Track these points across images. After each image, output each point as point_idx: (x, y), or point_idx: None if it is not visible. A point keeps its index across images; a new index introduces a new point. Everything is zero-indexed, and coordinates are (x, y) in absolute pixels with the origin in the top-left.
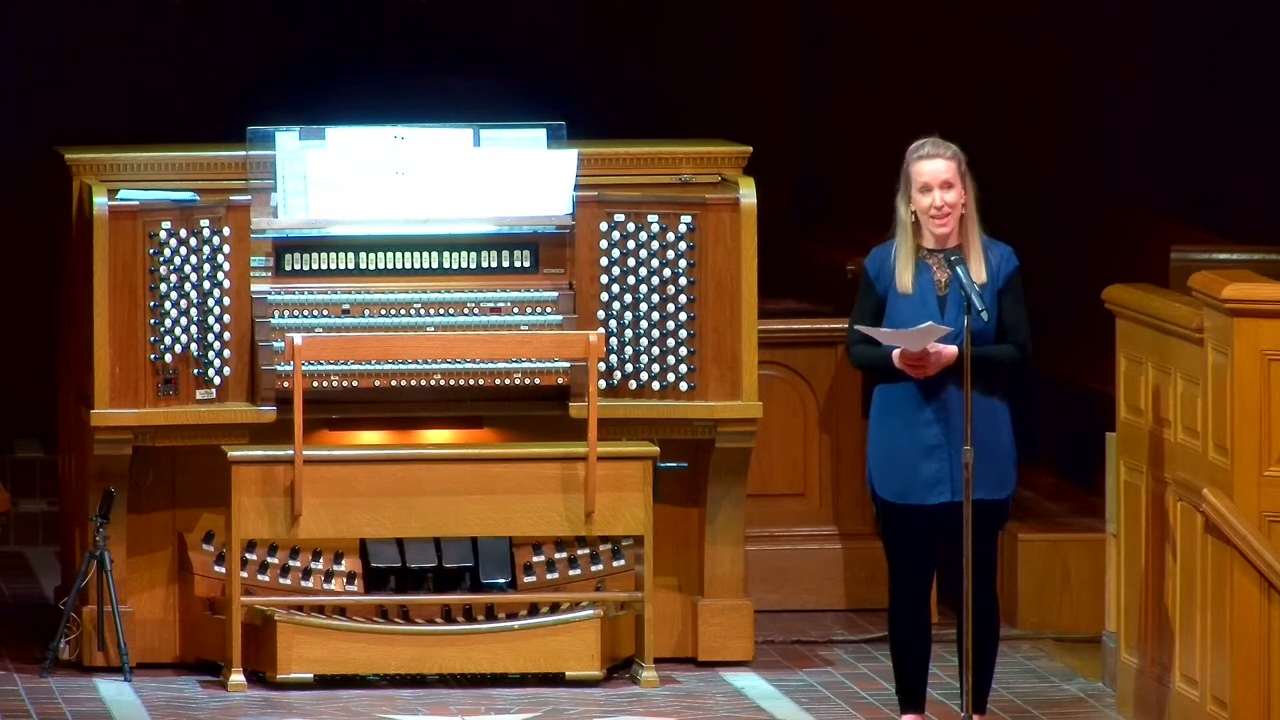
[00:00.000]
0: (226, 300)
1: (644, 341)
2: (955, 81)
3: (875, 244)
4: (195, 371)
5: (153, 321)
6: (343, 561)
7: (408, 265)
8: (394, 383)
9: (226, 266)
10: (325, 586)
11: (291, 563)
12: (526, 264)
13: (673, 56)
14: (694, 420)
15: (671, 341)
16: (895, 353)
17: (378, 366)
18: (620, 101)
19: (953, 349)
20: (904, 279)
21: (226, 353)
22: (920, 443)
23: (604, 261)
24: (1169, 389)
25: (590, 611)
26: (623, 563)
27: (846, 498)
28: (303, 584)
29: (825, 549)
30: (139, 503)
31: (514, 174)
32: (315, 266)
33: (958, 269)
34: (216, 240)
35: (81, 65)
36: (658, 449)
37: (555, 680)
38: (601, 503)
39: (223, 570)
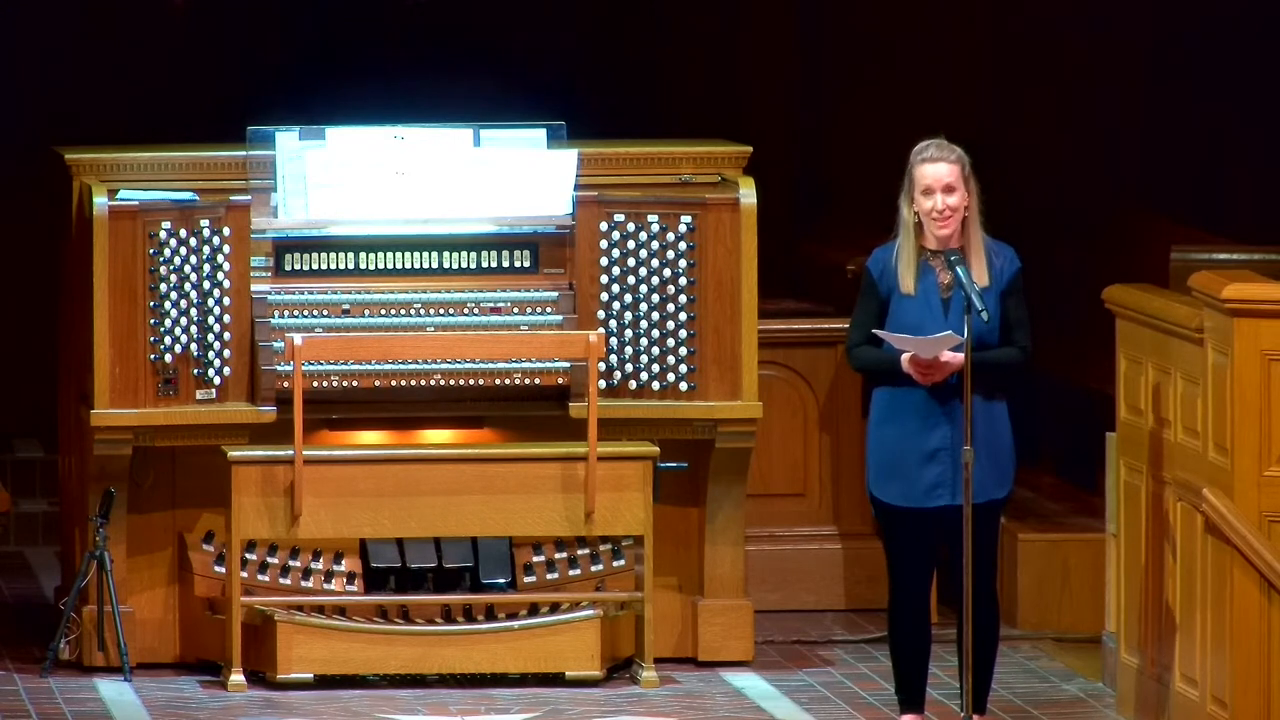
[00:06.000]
0: (226, 300)
1: (644, 341)
2: (955, 82)
3: (875, 244)
4: (195, 371)
5: (153, 321)
6: (343, 561)
7: (408, 265)
8: (394, 383)
9: (226, 266)
10: (325, 586)
11: (291, 563)
12: (526, 264)
13: (672, 56)
14: (694, 420)
15: (671, 341)
16: (905, 357)
17: (378, 366)
18: (620, 102)
19: (960, 357)
20: (906, 281)
21: (226, 353)
22: (921, 447)
23: (604, 261)
24: (1169, 389)
25: (590, 611)
26: (623, 563)
27: (846, 498)
28: (303, 584)
29: (825, 549)
30: (139, 503)
31: (514, 174)
32: (315, 266)
33: (958, 269)
34: (216, 240)
35: (81, 65)
36: (658, 449)
37: (555, 680)
38: (601, 503)
39: (223, 570)
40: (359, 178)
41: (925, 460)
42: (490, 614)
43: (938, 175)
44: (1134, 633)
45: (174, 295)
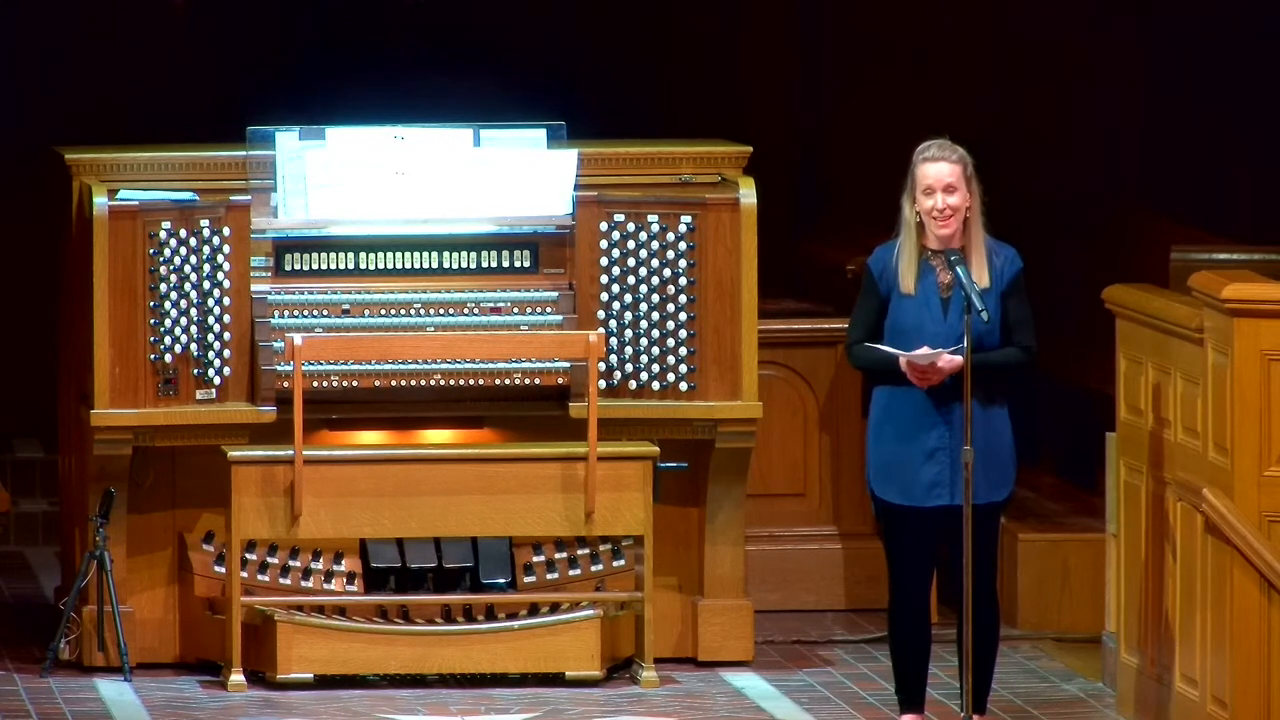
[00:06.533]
0: (226, 300)
1: (644, 341)
2: (955, 82)
3: (875, 244)
4: (195, 371)
5: (153, 321)
6: (343, 561)
7: (408, 265)
8: (394, 383)
9: (226, 266)
10: (325, 586)
11: (291, 563)
12: (526, 264)
13: (673, 56)
14: (694, 420)
15: (671, 341)
16: (902, 359)
17: (378, 366)
18: (620, 102)
19: (959, 359)
20: (907, 281)
21: (226, 353)
22: (921, 446)
23: (604, 261)
24: (1169, 389)
25: (590, 611)
26: (623, 563)
27: (846, 498)
28: (303, 584)
29: (825, 549)
30: (139, 503)
31: (514, 174)
32: (315, 266)
33: (958, 269)
34: (216, 240)
35: (81, 65)
36: (658, 449)
37: (555, 680)
38: (601, 503)
39: (223, 570)
40: (359, 178)
41: (924, 460)
42: (490, 614)
43: (939, 175)
44: (1134, 633)
45: (174, 295)
